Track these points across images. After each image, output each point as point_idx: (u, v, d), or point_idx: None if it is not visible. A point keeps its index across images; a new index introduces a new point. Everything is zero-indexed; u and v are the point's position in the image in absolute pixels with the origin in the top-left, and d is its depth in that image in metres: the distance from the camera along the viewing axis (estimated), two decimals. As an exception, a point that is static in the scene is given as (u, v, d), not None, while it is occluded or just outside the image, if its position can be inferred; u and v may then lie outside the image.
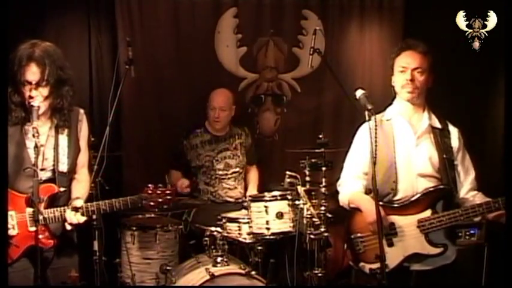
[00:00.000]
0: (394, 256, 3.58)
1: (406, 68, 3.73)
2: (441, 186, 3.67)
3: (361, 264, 3.71)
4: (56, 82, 3.41)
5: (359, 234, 3.73)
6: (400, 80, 3.76)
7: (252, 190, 5.43)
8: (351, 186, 3.87)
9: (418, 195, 3.66)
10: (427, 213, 3.63)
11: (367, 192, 3.79)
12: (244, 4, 5.88)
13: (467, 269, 4.49)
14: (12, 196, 3.40)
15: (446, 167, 3.69)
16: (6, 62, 3.35)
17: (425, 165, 3.72)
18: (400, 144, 3.76)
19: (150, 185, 3.66)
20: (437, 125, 3.81)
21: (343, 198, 3.91)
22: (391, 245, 3.63)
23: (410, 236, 3.63)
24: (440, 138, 3.77)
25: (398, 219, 3.66)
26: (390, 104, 3.90)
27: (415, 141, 3.76)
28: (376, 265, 3.45)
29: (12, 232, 3.40)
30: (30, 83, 3.36)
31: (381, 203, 3.52)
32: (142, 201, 3.62)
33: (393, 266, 3.56)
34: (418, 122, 3.80)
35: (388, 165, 3.70)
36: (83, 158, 3.70)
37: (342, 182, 3.97)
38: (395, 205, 3.69)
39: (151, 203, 3.63)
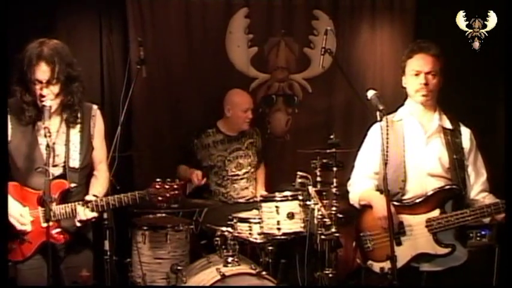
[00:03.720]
0: (402, 255, 3.56)
1: (419, 72, 3.72)
2: (450, 186, 3.67)
3: (369, 262, 3.72)
4: (65, 79, 3.45)
5: (368, 232, 3.74)
6: (414, 84, 3.75)
7: (260, 190, 5.43)
8: (362, 186, 3.88)
9: (427, 194, 3.66)
10: (436, 212, 3.63)
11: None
12: (256, 4, 5.87)
13: (478, 270, 4.47)
14: (26, 193, 3.45)
15: (456, 168, 3.69)
16: (6, 61, 3.38)
17: (435, 165, 3.71)
18: (410, 144, 3.76)
19: (158, 180, 3.62)
20: (448, 125, 3.80)
21: (354, 197, 3.92)
22: (399, 244, 3.63)
23: (418, 236, 3.63)
24: (451, 138, 3.76)
25: (407, 218, 3.66)
26: (402, 104, 3.89)
27: (425, 140, 3.76)
28: (384, 264, 3.46)
29: (26, 228, 3.43)
30: (40, 82, 3.39)
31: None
32: (150, 196, 3.59)
33: (401, 265, 3.54)
34: (429, 122, 3.79)
35: (397, 164, 3.69)
36: (100, 153, 3.70)
37: (352, 182, 3.98)
38: (405, 204, 3.69)
39: (160, 198, 3.60)
